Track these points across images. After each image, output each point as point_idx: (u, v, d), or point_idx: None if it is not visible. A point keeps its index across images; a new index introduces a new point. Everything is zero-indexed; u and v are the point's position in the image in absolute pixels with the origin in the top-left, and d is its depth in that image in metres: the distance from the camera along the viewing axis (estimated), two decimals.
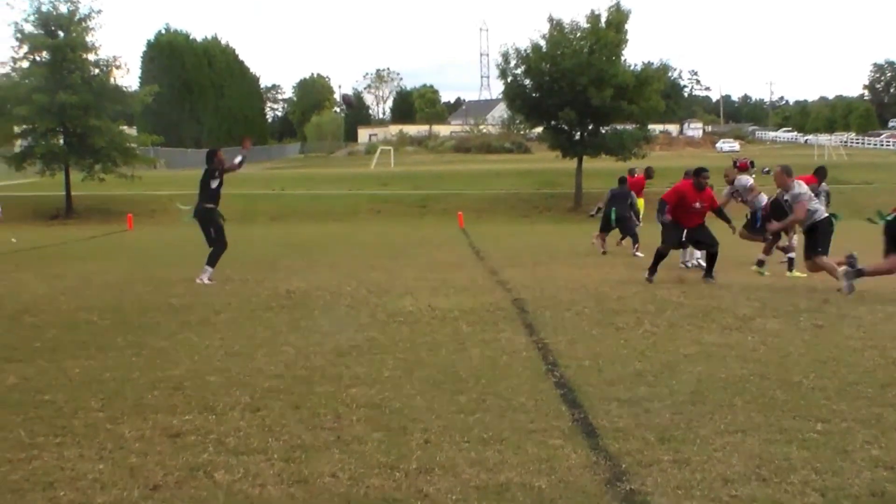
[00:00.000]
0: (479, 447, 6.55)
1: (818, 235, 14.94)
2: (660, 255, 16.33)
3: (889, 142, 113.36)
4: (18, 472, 6.10)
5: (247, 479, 5.89)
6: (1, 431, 7.06)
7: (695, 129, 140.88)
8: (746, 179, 19.07)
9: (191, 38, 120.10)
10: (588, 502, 5.48)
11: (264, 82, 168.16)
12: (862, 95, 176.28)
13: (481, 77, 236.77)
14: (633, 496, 5.59)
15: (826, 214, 15.28)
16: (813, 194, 15.76)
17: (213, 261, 16.82)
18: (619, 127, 50.70)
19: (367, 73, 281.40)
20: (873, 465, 6.08)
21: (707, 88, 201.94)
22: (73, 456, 6.43)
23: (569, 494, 5.60)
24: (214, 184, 16.81)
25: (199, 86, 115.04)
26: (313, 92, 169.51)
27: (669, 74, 65.73)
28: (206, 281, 16.39)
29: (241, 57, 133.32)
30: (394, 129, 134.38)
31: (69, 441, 6.80)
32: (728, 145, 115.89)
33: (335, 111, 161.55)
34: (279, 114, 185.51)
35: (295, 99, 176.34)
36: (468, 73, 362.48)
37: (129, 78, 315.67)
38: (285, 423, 7.24)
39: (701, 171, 16.76)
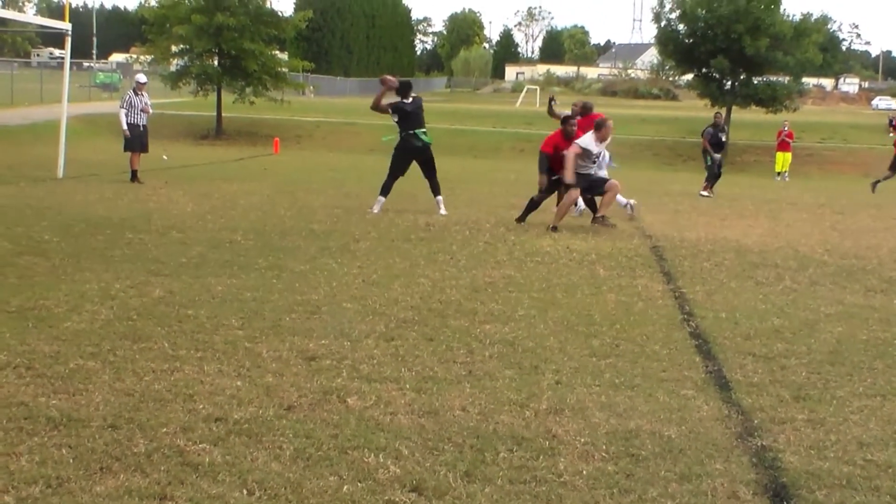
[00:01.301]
0: (610, 392, 6.53)
1: None
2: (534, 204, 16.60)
3: None
4: (161, 382, 6.28)
5: (378, 407, 5.97)
6: (146, 342, 7.27)
7: (850, 85, 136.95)
8: None
9: None
10: (717, 454, 5.42)
11: (415, 14, 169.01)
12: None
13: (633, 20, 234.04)
14: (764, 452, 5.51)
15: None
16: None
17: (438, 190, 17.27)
18: (773, 78, 49.61)
19: (517, 11, 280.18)
20: None
21: (867, 43, 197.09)
22: (213, 371, 6.60)
23: (698, 445, 5.56)
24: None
25: (351, 14, 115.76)
26: (463, 26, 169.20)
27: (828, 27, 63.99)
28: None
29: None
30: (541, 69, 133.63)
31: (209, 356, 6.97)
32: (885, 103, 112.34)
33: (484, 47, 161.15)
34: (428, 47, 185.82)
35: (445, 32, 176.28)
36: (620, 15, 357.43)
37: (284, 2, 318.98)
38: (418, 354, 7.31)
39: (567, 118, 16.82)
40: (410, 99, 17.03)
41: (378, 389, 6.32)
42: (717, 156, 26.70)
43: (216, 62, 46.41)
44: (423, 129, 16.96)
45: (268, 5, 47.58)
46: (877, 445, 5.66)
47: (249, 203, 17.59)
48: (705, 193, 25.81)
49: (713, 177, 26.46)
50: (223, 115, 48.25)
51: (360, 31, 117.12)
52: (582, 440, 5.55)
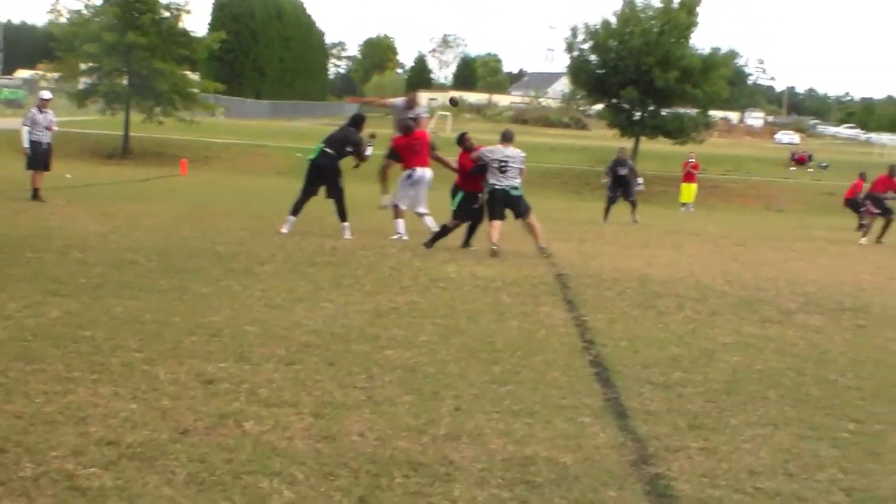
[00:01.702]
0: (509, 418, 6.56)
1: None
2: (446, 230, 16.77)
3: None
4: (53, 404, 6.18)
5: (275, 431, 5.93)
6: (40, 363, 7.15)
7: (756, 119, 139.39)
8: None
9: None
10: (612, 482, 5.48)
11: (330, 39, 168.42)
12: None
13: (546, 49, 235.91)
14: (658, 480, 5.58)
15: None
16: None
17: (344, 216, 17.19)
18: (681, 110, 50.44)
19: (432, 37, 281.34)
20: None
21: (772, 78, 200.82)
22: (108, 393, 6.50)
23: (593, 472, 5.61)
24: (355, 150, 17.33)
25: (265, 37, 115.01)
26: (378, 51, 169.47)
27: (736, 61, 65.21)
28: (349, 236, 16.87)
29: (308, 11, 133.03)
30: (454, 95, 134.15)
31: (105, 378, 6.87)
32: (787, 137, 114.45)
33: (398, 72, 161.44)
34: (342, 71, 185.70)
35: (359, 57, 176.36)
36: (533, 44, 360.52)
37: (197, 23, 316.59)
38: (318, 378, 7.28)
39: (462, 136, 17.72)
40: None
41: (276, 414, 6.28)
42: (612, 194, 29.09)
43: (126, 81, 45.94)
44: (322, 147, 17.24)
45: (180, 25, 47.26)
46: (767, 474, 5.76)
47: (154, 224, 17.41)
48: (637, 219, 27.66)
49: (607, 205, 28.88)
50: (131, 134, 47.73)
51: (274, 53, 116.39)
52: (478, 466, 5.56)
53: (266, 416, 6.23)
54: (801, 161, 63.59)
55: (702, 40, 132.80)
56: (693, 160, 41.56)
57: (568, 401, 7.12)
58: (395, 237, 17.42)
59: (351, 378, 7.36)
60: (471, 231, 16.84)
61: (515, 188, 16.19)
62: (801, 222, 34.72)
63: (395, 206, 18.06)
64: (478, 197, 16.47)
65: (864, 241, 24.63)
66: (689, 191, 41.68)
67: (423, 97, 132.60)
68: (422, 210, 18.26)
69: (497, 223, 15.99)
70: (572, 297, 12.11)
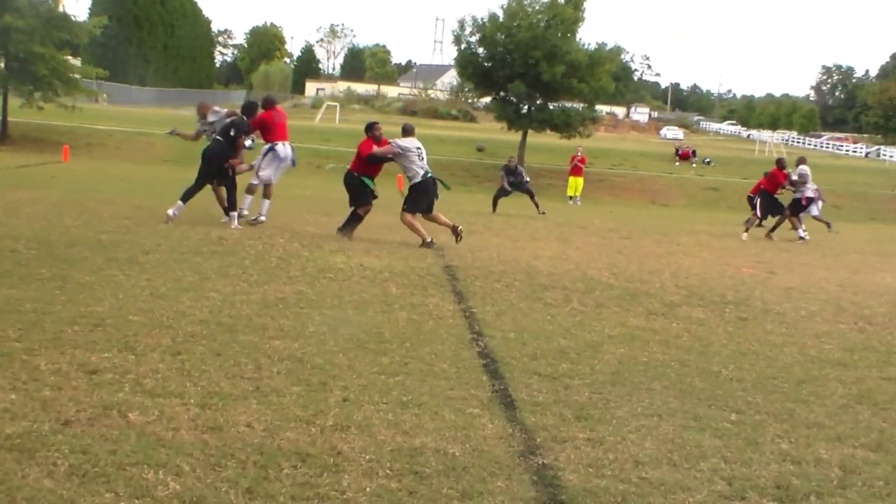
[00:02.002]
0: (397, 409, 6.56)
1: None
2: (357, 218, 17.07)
3: (829, 144, 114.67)
4: None
5: (161, 422, 5.84)
6: None
7: (641, 114, 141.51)
8: None
9: None
10: (500, 473, 5.50)
11: (216, 26, 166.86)
12: (808, 96, 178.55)
13: (434, 41, 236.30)
14: (545, 470, 5.62)
15: None
16: None
17: (234, 205, 16.98)
18: (568, 104, 50.89)
19: (320, 27, 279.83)
20: (781, 458, 6.17)
21: (657, 74, 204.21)
22: None
23: (481, 463, 5.63)
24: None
25: (149, 22, 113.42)
26: (265, 40, 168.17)
27: (622, 57, 66.03)
28: (239, 225, 16.70)
29: None
30: (342, 86, 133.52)
31: None
32: (672, 132, 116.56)
33: (285, 61, 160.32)
34: (228, 59, 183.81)
35: (246, 46, 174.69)
36: (422, 36, 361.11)
37: (78, 7, 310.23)
38: (205, 368, 7.19)
39: (372, 125, 17.54)
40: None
41: (161, 404, 6.19)
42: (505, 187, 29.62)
43: (3, 64, 44.84)
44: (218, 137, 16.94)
45: (60, 9, 46.28)
46: (651, 464, 5.84)
47: (34, 211, 17.00)
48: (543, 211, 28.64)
49: (495, 200, 29.46)
50: (9, 119, 46.65)
51: (158, 40, 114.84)
52: (367, 457, 5.55)
53: (151, 406, 6.13)
54: (685, 156, 64.71)
55: (588, 35, 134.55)
56: (580, 154, 42.00)
57: (456, 392, 7.14)
58: (258, 217, 17.55)
59: (238, 368, 7.29)
60: (355, 219, 16.81)
61: None
62: (685, 216, 35.31)
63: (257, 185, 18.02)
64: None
65: (745, 236, 25.12)
66: (576, 184, 42.12)
67: (311, 87, 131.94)
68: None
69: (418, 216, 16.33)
70: (461, 289, 12.14)
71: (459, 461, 5.63)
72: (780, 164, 26.40)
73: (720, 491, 5.53)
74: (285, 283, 11.44)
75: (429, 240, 16.19)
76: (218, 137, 16.83)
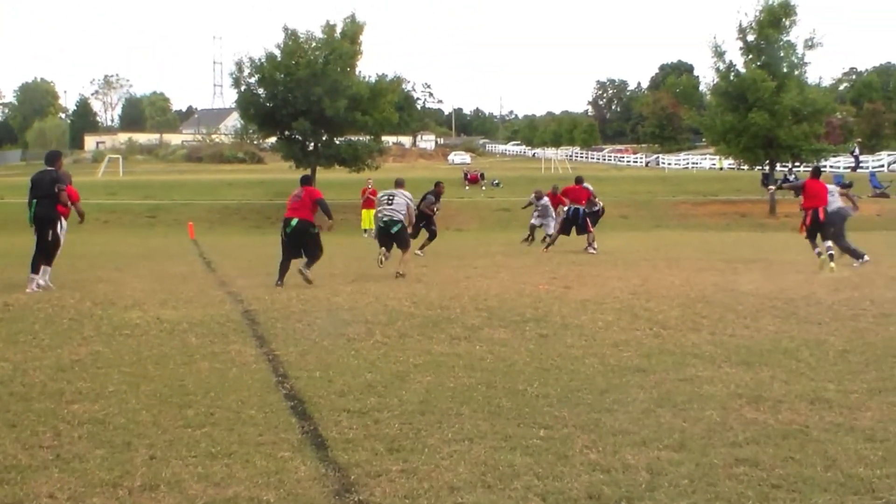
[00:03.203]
0: (207, 461, 6.44)
1: None
2: None
3: (611, 156, 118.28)
4: None
5: None
6: None
7: (428, 142, 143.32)
8: None
9: None
10: None
11: None
12: (586, 111, 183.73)
13: (214, 85, 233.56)
14: None
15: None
16: None
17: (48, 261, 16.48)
18: (354, 138, 51.00)
19: (94, 79, 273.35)
20: (591, 468, 6.30)
21: (440, 101, 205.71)
22: None
23: None
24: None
25: None
26: (36, 96, 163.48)
27: (403, 86, 66.72)
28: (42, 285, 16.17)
29: None
30: (122, 137, 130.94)
31: None
32: (460, 157, 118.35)
33: (60, 116, 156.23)
34: None
35: (16, 103, 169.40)
36: (201, 81, 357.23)
37: None
38: (0, 442, 6.91)
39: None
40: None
41: None
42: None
43: None
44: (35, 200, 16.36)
45: None
46: (466, 488, 5.89)
47: None
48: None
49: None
50: None
51: None
52: None
53: None
54: (473, 180, 65.64)
55: (368, 68, 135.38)
56: (371, 186, 42.07)
57: (266, 437, 7.07)
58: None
59: (36, 438, 7.04)
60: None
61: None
62: (480, 239, 35.76)
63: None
64: None
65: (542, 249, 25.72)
66: (369, 217, 42.11)
67: (90, 140, 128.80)
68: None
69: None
70: (262, 333, 12.02)
71: None
72: (556, 188, 27.86)
73: None
74: (80, 344, 11.12)
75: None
76: (43, 199, 16.19)
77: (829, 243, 20.04)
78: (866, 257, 20.68)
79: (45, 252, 16.34)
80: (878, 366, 9.76)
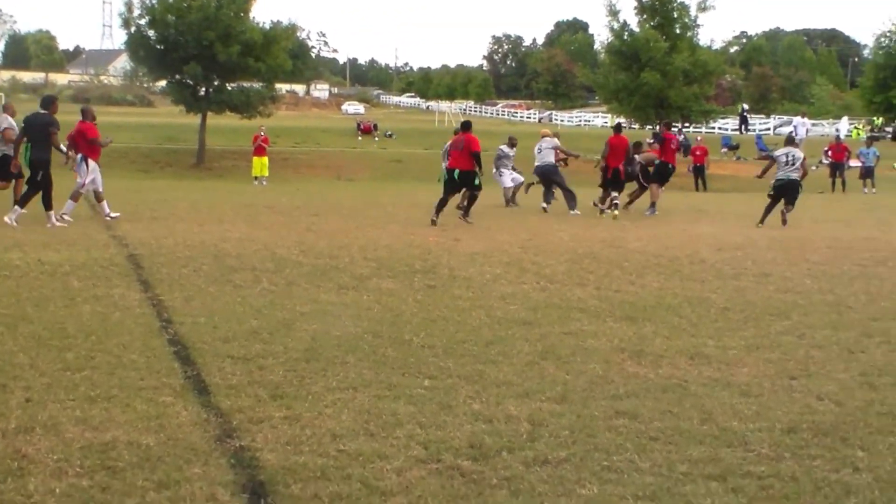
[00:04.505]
0: (85, 405, 6.35)
1: None
2: None
3: (504, 111, 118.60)
4: None
5: None
6: None
7: (321, 91, 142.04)
8: None
9: None
10: (196, 459, 5.42)
11: None
12: (481, 66, 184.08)
13: (103, 25, 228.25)
14: (243, 452, 5.59)
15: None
16: None
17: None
18: (246, 84, 50.38)
19: None
20: (474, 418, 6.35)
21: (335, 51, 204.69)
22: None
23: (177, 451, 5.53)
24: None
25: None
26: None
27: (297, 34, 66.00)
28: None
29: None
30: (6, 75, 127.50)
31: None
32: (353, 108, 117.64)
33: None
34: None
35: None
36: (89, 20, 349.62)
37: None
38: None
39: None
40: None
41: None
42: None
43: None
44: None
45: None
46: (349, 436, 5.91)
47: None
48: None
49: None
50: None
51: None
52: (55, 457, 5.36)
53: None
54: (367, 130, 65.34)
55: (262, 14, 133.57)
56: (263, 133, 41.66)
57: (147, 382, 6.99)
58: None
59: None
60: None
61: None
62: (372, 190, 35.64)
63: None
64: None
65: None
66: (260, 164, 41.73)
67: None
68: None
69: None
70: (147, 277, 11.86)
71: (154, 451, 5.53)
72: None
73: (416, 455, 5.65)
74: None
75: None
76: (37, 144, 17.25)
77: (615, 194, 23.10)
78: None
79: (37, 190, 17.15)
80: (756, 323, 9.98)
